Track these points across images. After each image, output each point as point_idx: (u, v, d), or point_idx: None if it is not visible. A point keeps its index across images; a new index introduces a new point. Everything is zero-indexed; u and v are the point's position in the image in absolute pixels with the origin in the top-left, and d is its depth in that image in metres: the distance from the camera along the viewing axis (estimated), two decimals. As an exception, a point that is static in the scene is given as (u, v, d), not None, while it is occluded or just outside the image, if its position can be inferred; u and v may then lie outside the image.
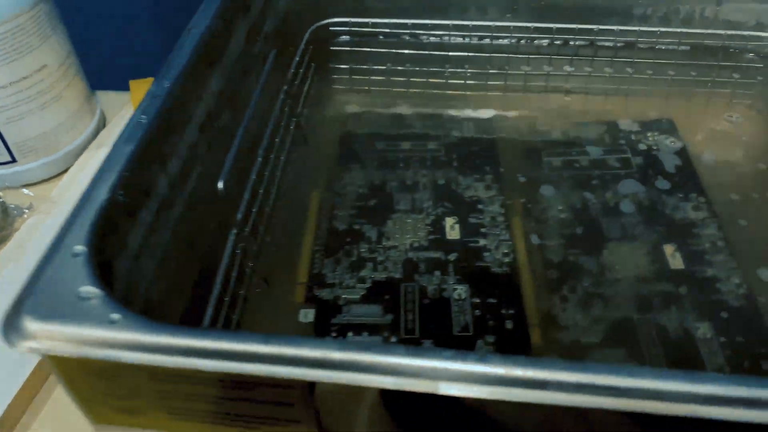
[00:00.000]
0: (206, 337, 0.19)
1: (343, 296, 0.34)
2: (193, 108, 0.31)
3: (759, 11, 0.42)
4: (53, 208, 0.39)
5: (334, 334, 0.32)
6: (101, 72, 0.50)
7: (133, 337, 0.19)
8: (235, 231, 0.30)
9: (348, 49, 0.45)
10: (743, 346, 0.31)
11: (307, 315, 0.33)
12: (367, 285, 0.34)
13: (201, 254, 0.31)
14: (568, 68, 0.45)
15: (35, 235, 0.37)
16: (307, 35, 0.43)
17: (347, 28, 0.44)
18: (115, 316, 0.20)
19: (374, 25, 0.44)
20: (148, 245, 0.27)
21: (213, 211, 0.31)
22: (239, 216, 0.31)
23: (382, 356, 0.19)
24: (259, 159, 0.34)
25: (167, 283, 0.28)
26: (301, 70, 0.41)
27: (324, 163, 0.42)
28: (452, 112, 0.45)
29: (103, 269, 0.22)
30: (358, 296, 0.34)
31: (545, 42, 0.44)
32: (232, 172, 0.31)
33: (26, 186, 0.41)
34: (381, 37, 0.45)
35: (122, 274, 0.24)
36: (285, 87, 0.38)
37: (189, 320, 0.29)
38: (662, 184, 0.39)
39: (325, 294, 0.34)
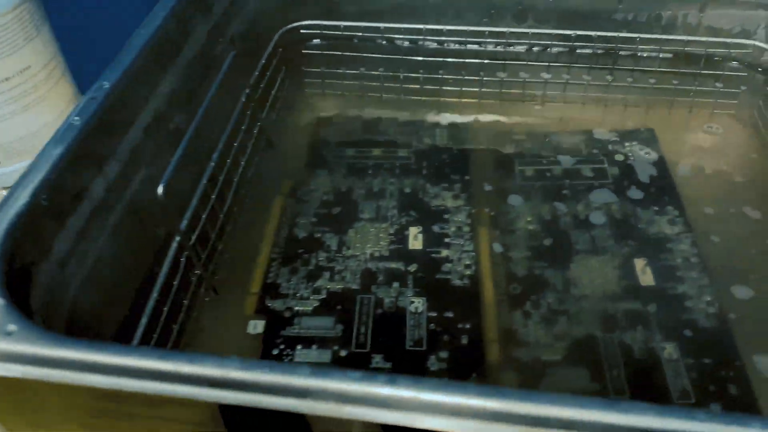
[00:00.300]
0: (101, 350, 0.18)
1: (296, 307, 0.33)
2: (138, 109, 0.30)
3: (743, 18, 0.40)
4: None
5: (281, 347, 0.31)
6: (93, 74, 0.49)
7: (27, 350, 0.18)
8: (178, 238, 0.29)
9: (320, 52, 0.44)
10: (710, 369, 0.30)
11: (256, 326, 0.32)
12: (322, 296, 0.33)
13: (144, 263, 0.30)
14: (545, 75, 0.43)
15: None
16: (276, 38, 0.42)
17: (319, 31, 0.43)
18: (12, 327, 0.19)
19: (347, 28, 0.43)
20: (78, 252, 0.26)
21: (158, 217, 0.30)
22: (185, 223, 0.30)
23: (285, 376, 0.17)
24: (212, 164, 0.32)
25: (103, 292, 0.27)
26: (268, 73, 0.40)
27: (291, 169, 0.40)
28: (426, 119, 0.44)
29: (16, 276, 0.21)
30: (311, 308, 0.32)
31: (522, 48, 0.43)
32: (178, 176, 0.30)
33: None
34: (355, 40, 0.44)
35: (43, 282, 0.23)
36: (247, 90, 0.37)
37: (126, 332, 0.27)
38: (637, 195, 0.38)
39: (277, 305, 0.33)
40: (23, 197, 0.23)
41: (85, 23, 0.63)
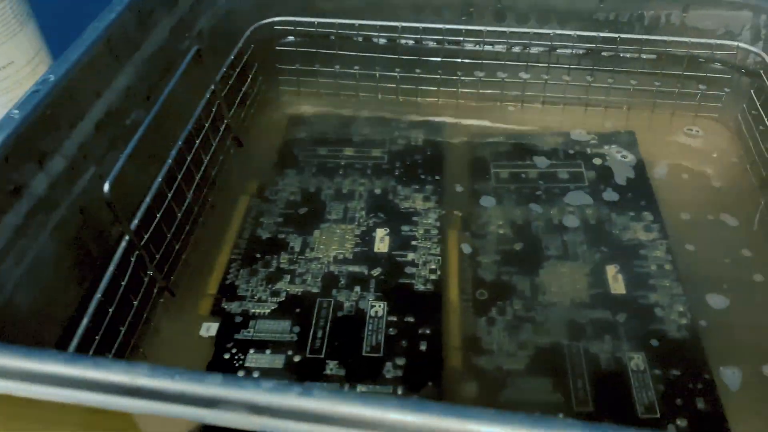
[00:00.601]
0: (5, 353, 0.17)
1: (252, 310, 0.32)
2: (88, 104, 0.29)
3: (728, 19, 0.39)
4: None
5: (233, 351, 0.30)
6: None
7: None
8: (127, 238, 0.28)
9: (294, 49, 0.43)
10: (679, 381, 0.28)
11: (210, 329, 0.31)
12: (280, 299, 0.32)
13: (93, 264, 0.29)
14: (524, 75, 0.42)
15: None
16: (247, 34, 0.41)
17: (293, 28, 0.42)
18: None
19: (321, 25, 0.42)
20: (15, 250, 0.25)
21: (108, 216, 0.29)
22: (135, 222, 0.29)
23: (193, 385, 0.16)
24: (169, 161, 0.32)
25: (44, 293, 0.27)
26: (237, 70, 0.39)
27: (259, 168, 0.40)
28: (401, 119, 0.43)
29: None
30: (268, 311, 0.31)
31: (501, 47, 0.42)
32: (132, 174, 0.29)
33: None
34: (331, 38, 0.43)
35: (-28, 280, 0.22)
36: (212, 86, 0.36)
37: (71, 334, 0.26)
38: (613, 200, 0.37)
39: (233, 307, 0.32)
40: (-50, 192, 0.22)
41: (72, 18, 0.63)
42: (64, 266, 0.28)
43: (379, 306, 0.32)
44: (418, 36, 0.42)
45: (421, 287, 0.32)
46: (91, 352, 0.26)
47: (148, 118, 0.30)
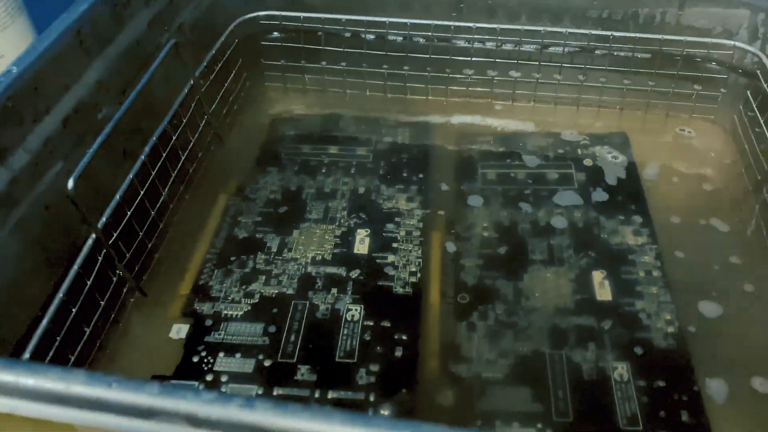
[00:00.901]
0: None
1: (225, 312, 0.31)
2: (55, 98, 0.28)
3: (724, 17, 0.37)
4: None
5: (203, 354, 0.29)
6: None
7: None
8: (93, 236, 0.28)
9: (280, 45, 0.42)
10: (663, 393, 0.27)
11: (180, 331, 0.30)
12: (254, 300, 0.31)
13: (59, 262, 0.28)
14: (514, 73, 0.41)
15: None
16: (231, 28, 0.40)
17: (278, 23, 0.41)
18: None
19: (308, 20, 0.41)
20: (-29, 247, 0.24)
21: (74, 213, 0.28)
22: (103, 220, 0.28)
23: (130, 393, 0.16)
24: (142, 157, 0.31)
25: (7, 289, 0.26)
26: (219, 65, 0.38)
27: (240, 165, 0.39)
28: (388, 116, 0.42)
29: None
30: (240, 312, 0.31)
31: (491, 45, 0.41)
32: (102, 170, 0.29)
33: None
34: (318, 33, 0.42)
35: None
36: (191, 81, 0.35)
37: (33, 332, 0.26)
38: (602, 203, 0.36)
39: (205, 308, 0.31)
40: None
41: (63, 11, 0.62)
42: (27, 265, 0.27)
43: (356, 309, 0.31)
44: (407, 32, 0.41)
45: (400, 290, 0.31)
46: (50, 355, 0.25)
47: (118, 113, 0.29)
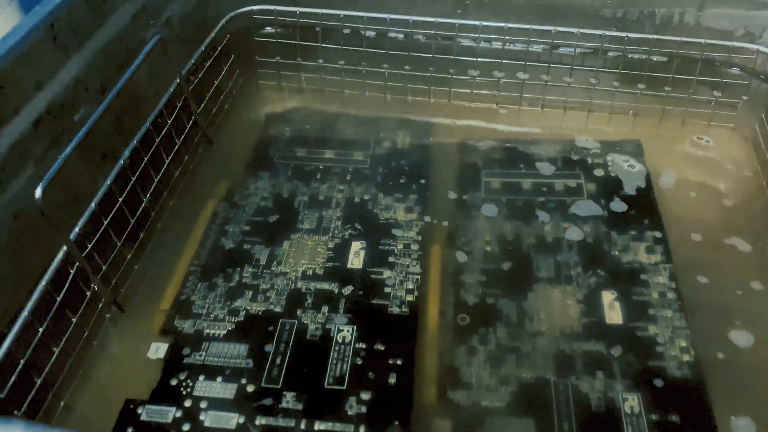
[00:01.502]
0: None
1: (207, 330, 0.29)
2: (25, 98, 0.26)
3: (747, 19, 0.35)
4: None
5: (182, 376, 0.27)
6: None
7: None
8: (65, 248, 0.25)
9: (274, 41, 0.40)
10: (678, 428, 0.25)
11: (159, 350, 0.28)
12: (239, 318, 0.29)
13: (29, 274, 0.26)
14: (521, 75, 0.39)
15: None
16: (222, 22, 0.38)
17: (273, 17, 0.39)
18: None
19: (304, 15, 0.39)
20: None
21: (46, 223, 0.26)
22: (76, 230, 0.26)
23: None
24: (121, 162, 0.29)
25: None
26: (210, 62, 0.36)
27: (230, 169, 0.36)
28: (388, 119, 0.39)
29: None
30: (224, 331, 0.29)
31: (498, 44, 0.38)
32: (78, 177, 0.26)
33: None
34: (315, 29, 0.39)
35: None
36: (177, 80, 0.33)
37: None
38: (614, 217, 0.33)
39: (186, 326, 0.29)
40: None
41: None
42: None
43: (347, 330, 0.28)
44: (409, 30, 0.39)
45: (396, 309, 0.29)
46: (14, 377, 0.23)
47: (96, 113, 0.27)
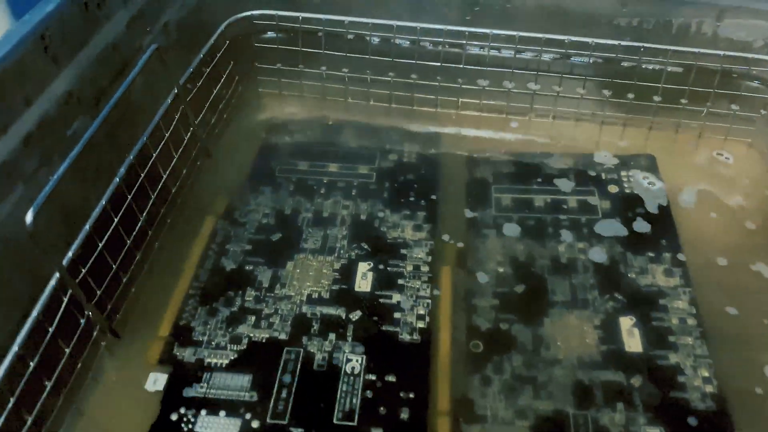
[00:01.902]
0: None
1: (208, 359, 0.27)
2: (14, 113, 0.24)
3: (766, 29, 0.34)
4: None
5: (182, 411, 0.25)
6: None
7: None
8: (57, 274, 0.24)
9: (276, 47, 0.38)
10: (704, 467, 0.24)
11: (157, 381, 0.26)
12: (242, 347, 0.28)
13: (20, 303, 0.25)
14: (532, 86, 0.37)
15: None
16: (221, 28, 0.36)
17: (274, 23, 0.37)
18: None
19: (306, 20, 0.37)
20: None
21: (37, 248, 0.24)
22: (69, 254, 0.25)
23: None
24: (117, 180, 0.27)
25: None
26: (207, 70, 0.34)
27: (230, 184, 0.35)
28: (393, 129, 0.38)
29: None
30: (226, 361, 0.27)
31: (508, 53, 0.37)
32: (70, 196, 0.25)
33: None
34: (318, 35, 0.38)
35: None
36: (176, 90, 0.31)
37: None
38: (630, 237, 0.32)
39: (186, 354, 0.27)
40: None
41: None
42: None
43: (356, 360, 0.27)
44: (416, 37, 0.37)
45: (407, 337, 0.28)
46: (4, 414, 0.22)
47: (90, 128, 0.25)
